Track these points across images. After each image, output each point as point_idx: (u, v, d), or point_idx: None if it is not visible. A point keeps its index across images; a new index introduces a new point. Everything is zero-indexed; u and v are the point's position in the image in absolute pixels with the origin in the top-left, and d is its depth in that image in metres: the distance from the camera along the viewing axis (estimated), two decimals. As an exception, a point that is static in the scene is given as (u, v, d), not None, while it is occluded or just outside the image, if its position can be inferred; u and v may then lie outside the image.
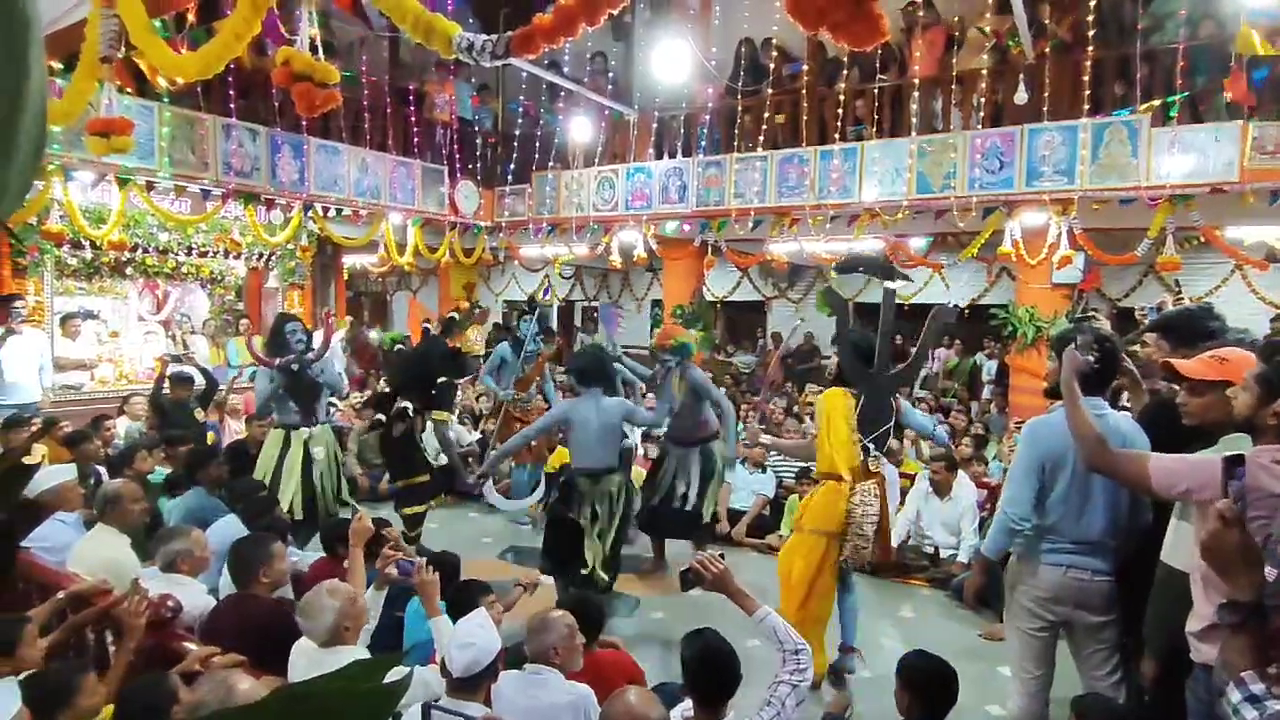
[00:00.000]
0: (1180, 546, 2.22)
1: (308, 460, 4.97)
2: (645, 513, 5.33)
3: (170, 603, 2.59)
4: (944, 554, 5.41)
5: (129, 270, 8.23)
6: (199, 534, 3.10)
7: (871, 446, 3.70)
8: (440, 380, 5.88)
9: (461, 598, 2.88)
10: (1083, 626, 2.64)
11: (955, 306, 4.05)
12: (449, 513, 6.75)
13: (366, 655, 2.41)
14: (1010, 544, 2.73)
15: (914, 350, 4.03)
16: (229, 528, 3.69)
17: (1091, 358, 2.49)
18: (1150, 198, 6.30)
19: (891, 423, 3.74)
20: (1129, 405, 3.06)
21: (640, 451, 7.05)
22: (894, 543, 5.42)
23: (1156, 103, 6.28)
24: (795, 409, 8.75)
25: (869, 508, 3.65)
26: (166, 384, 6.27)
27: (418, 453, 5.46)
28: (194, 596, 2.88)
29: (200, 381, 6.60)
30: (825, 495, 3.68)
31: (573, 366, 4.78)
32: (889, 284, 3.93)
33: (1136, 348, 3.41)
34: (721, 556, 2.26)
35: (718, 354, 13.34)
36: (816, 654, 3.83)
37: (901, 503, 5.80)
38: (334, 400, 8.41)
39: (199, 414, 6.38)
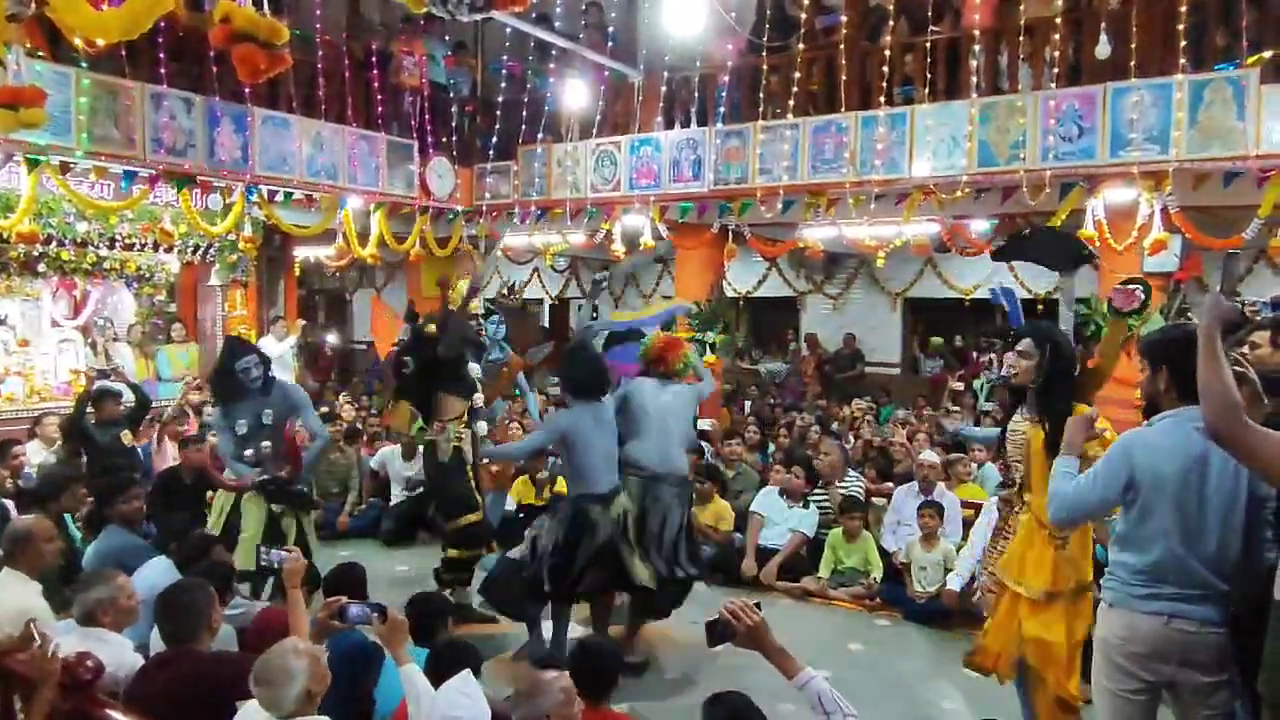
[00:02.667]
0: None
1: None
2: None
3: (90, 662, 2.59)
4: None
5: (41, 267, 8.30)
6: (125, 580, 3.11)
7: None
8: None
9: (445, 657, 2.87)
10: (1189, 689, 2.61)
11: (1239, 254, 3.87)
12: (418, 551, 6.76)
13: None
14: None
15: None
16: (158, 572, 3.70)
17: (1239, 305, 2.48)
18: (1260, 170, 6.27)
19: None
20: None
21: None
22: (956, 586, 5.42)
23: (1267, 55, 6.24)
24: (835, 426, 8.73)
25: None
26: (90, 407, 6.28)
27: (467, 480, 5.36)
28: (118, 654, 2.88)
29: (129, 397, 6.63)
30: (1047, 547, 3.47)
31: (565, 374, 4.81)
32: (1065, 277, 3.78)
33: (1245, 349, 3.39)
34: (758, 605, 2.25)
35: (741, 360, 13.35)
36: None
37: (964, 538, 5.78)
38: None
39: (126, 437, 6.40)
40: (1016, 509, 3.85)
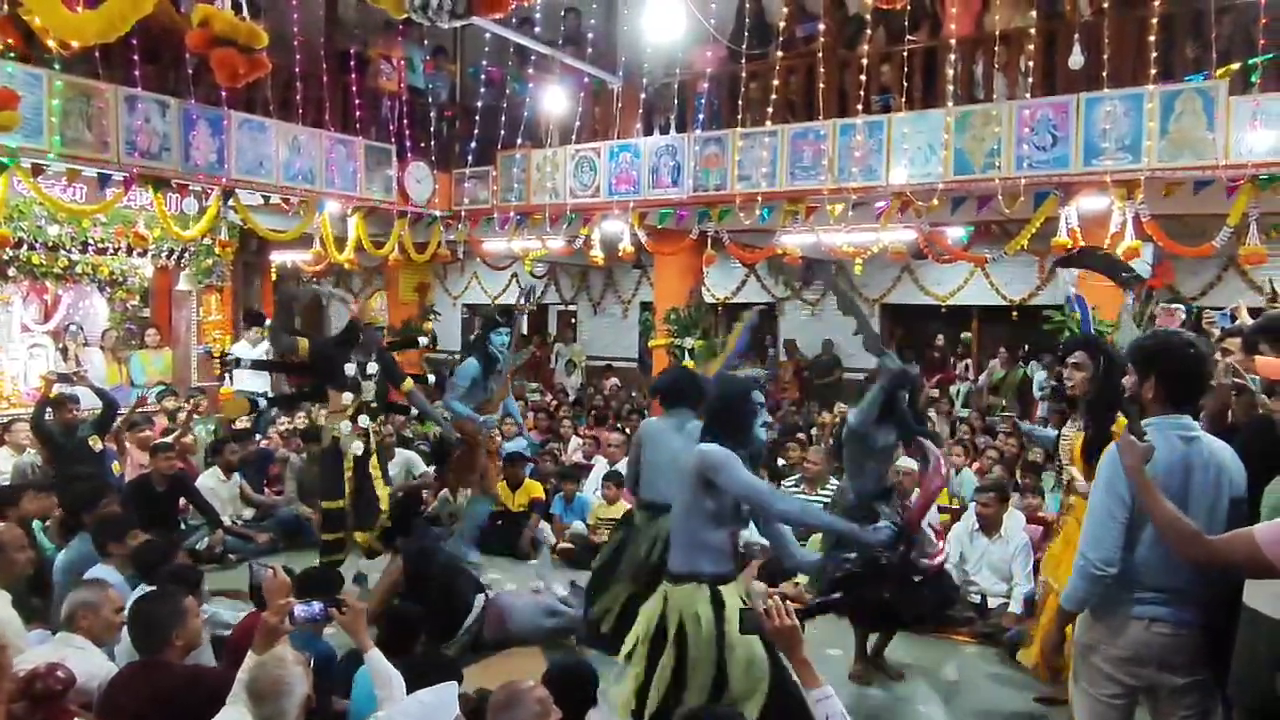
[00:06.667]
0: (1266, 586, 2.25)
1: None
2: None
3: (60, 673, 2.55)
4: (993, 603, 5.40)
5: (11, 271, 8.19)
6: (116, 594, 3.09)
7: None
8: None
9: (422, 668, 2.86)
10: (1166, 691, 2.63)
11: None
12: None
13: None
14: (1096, 594, 2.70)
15: None
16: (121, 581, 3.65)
17: (1156, 448, 2.48)
18: (1230, 178, 6.38)
19: None
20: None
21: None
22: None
23: (1235, 66, 6.35)
24: (814, 432, 8.76)
25: None
26: (49, 409, 6.21)
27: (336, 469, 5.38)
28: (91, 664, 2.84)
29: (91, 402, 6.54)
30: None
31: (658, 385, 5.05)
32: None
33: (1217, 355, 3.45)
34: (800, 613, 2.30)
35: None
36: None
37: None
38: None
39: (94, 442, 6.31)
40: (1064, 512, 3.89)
